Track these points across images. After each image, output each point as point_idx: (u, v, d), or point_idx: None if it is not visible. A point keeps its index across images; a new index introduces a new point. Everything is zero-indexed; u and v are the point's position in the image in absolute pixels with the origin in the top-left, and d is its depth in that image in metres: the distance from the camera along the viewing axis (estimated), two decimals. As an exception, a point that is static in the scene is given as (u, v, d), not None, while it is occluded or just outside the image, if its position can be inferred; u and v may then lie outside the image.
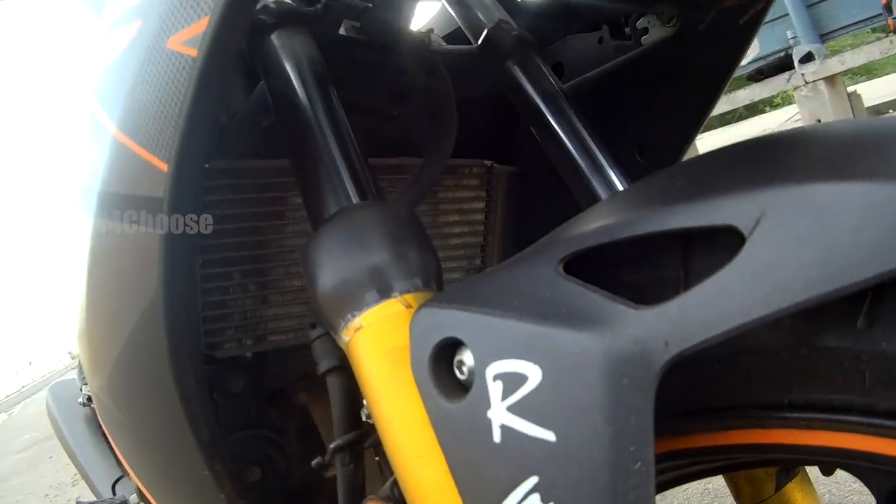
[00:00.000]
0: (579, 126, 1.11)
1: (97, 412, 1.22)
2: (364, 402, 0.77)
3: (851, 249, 0.43)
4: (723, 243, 0.51)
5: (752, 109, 17.11)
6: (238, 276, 1.15)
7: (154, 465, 1.15)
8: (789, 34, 8.91)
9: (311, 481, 1.35)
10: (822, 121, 8.34)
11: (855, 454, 0.57)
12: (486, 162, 1.41)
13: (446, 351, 0.61)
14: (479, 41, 1.20)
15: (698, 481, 2.59)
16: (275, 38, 0.96)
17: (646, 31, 1.24)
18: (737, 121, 17.98)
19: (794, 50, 8.52)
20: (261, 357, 1.28)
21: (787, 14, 8.99)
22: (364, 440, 0.95)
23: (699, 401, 0.64)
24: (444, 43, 1.25)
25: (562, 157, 1.10)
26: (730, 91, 9.14)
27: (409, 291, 0.73)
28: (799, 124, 9.44)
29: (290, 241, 1.18)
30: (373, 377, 0.71)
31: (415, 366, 0.64)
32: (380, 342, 0.71)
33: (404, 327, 0.67)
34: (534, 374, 0.54)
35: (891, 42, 8.09)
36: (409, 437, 0.67)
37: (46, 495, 7.29)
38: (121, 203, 0.84)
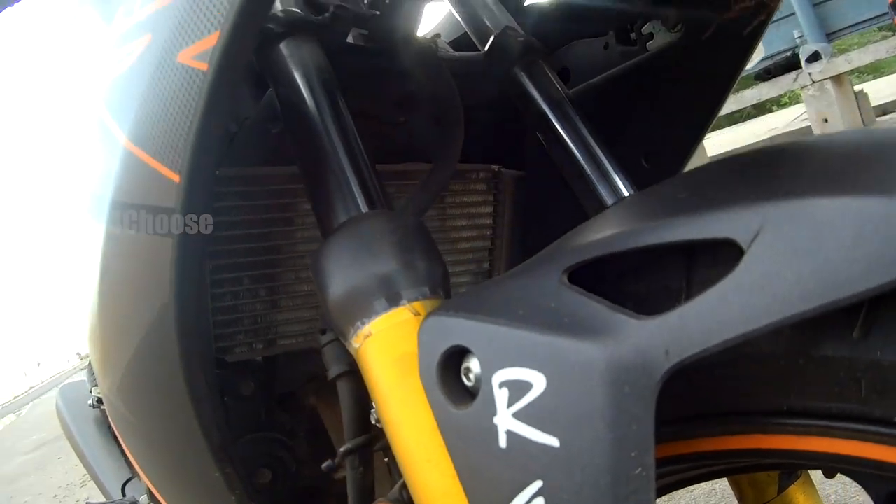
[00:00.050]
0: (585, 132, 1.11)
1: (108, 414, 1.22)
2: (373, 406, 0.78)
3: (847, 263, 0.44)
4: (725, 255, 0.52)
5: (760, 108, 17.10)
6: (248, 281, 1.16)
7: (165, 466, 1.15)
8: (796, 33, 8.88)
9: (320, 483, 1.36)
10: (829, 120, 8.33)
11: (852, 460, 0.58)
12: (493, 166, 1.42)
13: (454, 358, 0.63)
14: (486, 47, 1.20)
15: (705, 482, 2.60)
16: (283, 48, 0.96)
17: (651, 36, 1.24)
18: (745, 120, 17.96)
19: (801, 49, 8.51)
20: (271, 361, 1.29)
21: (793, 13, 8.97)
22: (373, 443, 0.96)
23: (700, 406, 0.65)
24: (450, 49, 1.25)
25: (568, 162, 1.11)
26: (737, 90, 9.12)
27: (417, 299, 0.74)
28: (806, 123, 9.43)
29: (300, 247, 1.19)
30: (382, 383, 0.73)
31: (423, 372, 0.65)
32: (389, 349, 0.72)
33: (412, 335, 0.68)
34: (538, 382, 0.55)
35: (898, 40, 8.09)
36: (417, 442, 0.69)
37: (55, 496, 7.25)
38: (133, 211, 0.85)
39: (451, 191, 1.35)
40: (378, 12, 1.09)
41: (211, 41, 0.70)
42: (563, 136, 1.11)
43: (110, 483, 2.42)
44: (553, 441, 0.54)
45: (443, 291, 0.78)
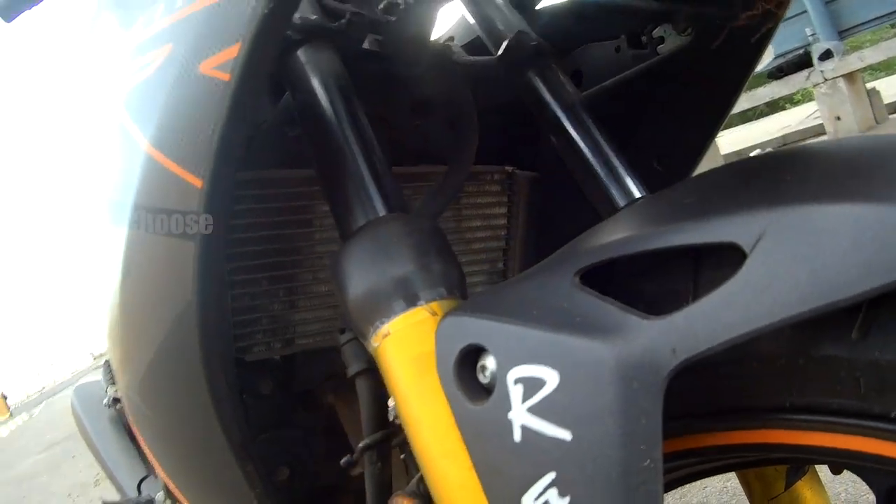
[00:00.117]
0: (597, 134, 1.12)
1: (127, 412, 1.23)
2: (391, 403, 0.80)
3: (845, 267, 0.47)
4: (730, 258, 0.54)
5: (773, 106, 17.00)
6: (266, 281, 1.17)
7: (184, 464, 1.17)
8: (808, 31, 8.83)
9: (337, 481, 1.36)
10: (842, 117, 8.30)
11: (854, 454, 0.60)
12: (507, 168, 1.43)
13: (470, 356, 0.65)
14: (500, 51, 1.20)
15: (717, 480, 2.61)
16: (301, 54, 0.97)
17: (662, 40, 1.25)
18: (758, 118, 17.88)
19: (813, 47, 8.47)
20: (289, 360, 1.30)
21: (805, 11, 8.92)
22: (391, 439, 0.97)
23: (707, 403, 0.67)
24: (464, 53, 1.26)
25: (580, 165, 1.12)
26: (750, 89, 9.07)
27: (434, 300, 0.76)
28: (819, 121, 9.39)
29: (318, 248, 1.20)
30: (400, 381, 0.74)
31: (440, 370, 0.67)
32: (407, 348, 0.74)
33: (430, 334, 0.71)
34: (552, 379, 0.57)
35: (911, 38, 8.05)
36: (434, 437, 0.71)
37: (69, 495, 7.20)
38: (155, 215, 0.86)
39: (466, 192, 1.36)
40: (393, 18, 1.09)
41: (232, 52, 0.71)
42: (575, 139, 1.12)
43: (126, 481, 2.43)
44: (566, 434, 0.57)
45: (459, 292, 0.80)
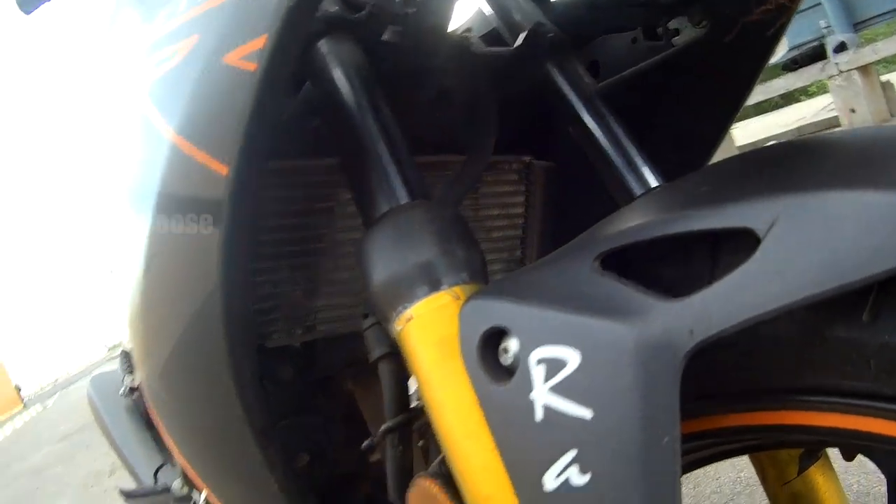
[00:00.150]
0: (614, 125, 1.13)
1: (147, 400, 1.24)
2: (413, 386, 0.82)
3: (854, 251, 0.49)
4: (746, 244, 0.55)
5: (788, 98, 16.97)
6: (288, 269, 1.18)
7: (205, 451, 1.18)
8: (822, 23, 8.81)
9: (356, 468, 1.38)
10: (856, 110, 8.28)
11: (866, 436, 0.61)
12: (524, 158, 1.44)
13: (493, 338, 0.67)
14: (519, 43, 1.22)
15: (730, 471, 2.62)
16: (322, 45, 0.98)
17: (677, 32, 1.26)
18: (773, 109, 17.84)
19: (828, 39, 8.45)
20: (309, 346, 1.31)
21: (819, 3, 8.90)
22: (412, 423, 0.98)
23: (724, 384, 0.69)
24: (482, 44, 1.27)
25: (598, 154, 1.13)
26: (765, 80, 9.05)
27: (456, 284, 0.78)
28: (834, 114, 9.36)
29: (339, 235, 1.21)
30: (423, 364, 0.76)
31: (464, 352, 0.69)
32: (430, 331, 0.76)
33: (453, 318, 0.72)
34: (573, 359, 0.59)
35: (925, 31, 8.02)
36: (457, 418, 0.72)
37: (84, 485, 7.19)
38: (180, 203, 0.88)
39: (485, 181, 1.37)
40: (413, 10, 1.09)
41: (259, 43, 0.72)
42: (593, 129, 1.13)
43: (142, 470, 2.44)
44: (587, 413, 0.58)
45: (480, 277, 0.82)
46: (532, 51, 1.21)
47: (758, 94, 8.90)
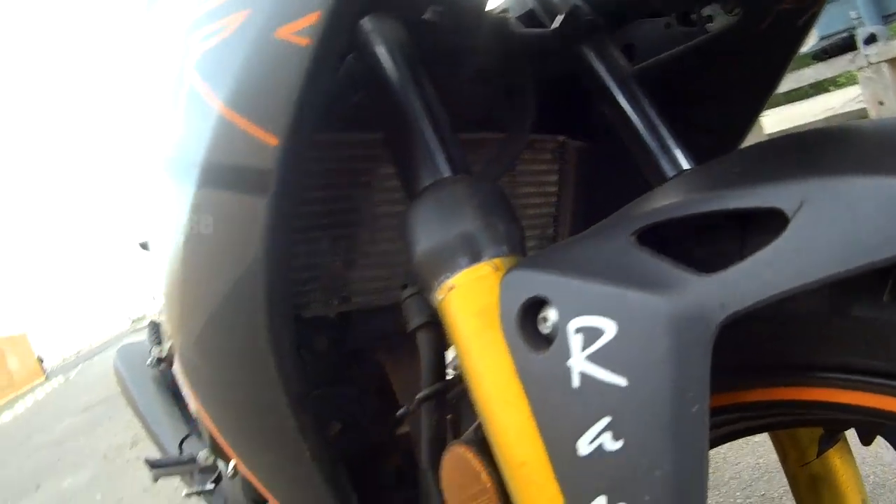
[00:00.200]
0: (648, 108, 1.15)
1: (180, 369, 1.26)
2: (449, 357, 0.84)
3: (876, 232, 0.51)
4: (774, 224, 0.58)
5: (817, 88, 16.87)
6: (326, 240, 1.21)
7: (238, 419, 1.19)
8: (852, 14, 8.75)
9: (386, 439, 1.40)
10: (885, 102, 8.23)
11: (883, 414, 0.64)
12: (559, 137, 1.46)
13: (533, 308, 0.69)
14: (556, 25, 1.23)
15: (750, 457, 2.64)
16: (365, 22, 1.00)
17: (710, 18, 1.27)
18: (802, 99, 17.75)
19: (858, 31, 8.40)
20: (344, 317, 1.33)
21: (850, -7, 8.85)
22: (448, 391, 1.00)
23: (750, 359, 0.72)
24: (520, 25, 1.29)
25: (632, 136, 1.15)
26: (795, 69, 9.00)
27: (497, 256, 0.80)
28: (861, 105, 9.31)
29: (378, 209, 1.23)
30: (464, 332, 0.78)
31: (504, 321, 0.72)
32: (471, 301, 0.78)
33: (493, 288, 0.75)
34: (610, 328, 0.62)
35: (957, 24, 7.96)
36: (495, 385, 0.74)
37: (105, 456, 7.22)
38: (226, 172, 0.89)
39: (521, 159, 1.38)
40: None
41: (311, 19, 0.74)
42: (627, 111, 1.15)
43: (168, 441, 2.46)
44: (621, 381, 0.61)
45: (519, 250, 0.84)
46: (569, 33, 1.22)
47: (788, 83, 8.83)
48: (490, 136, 1.32)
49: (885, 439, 0.88)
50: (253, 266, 0.89)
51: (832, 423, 1.06)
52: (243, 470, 1.30)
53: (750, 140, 1.26)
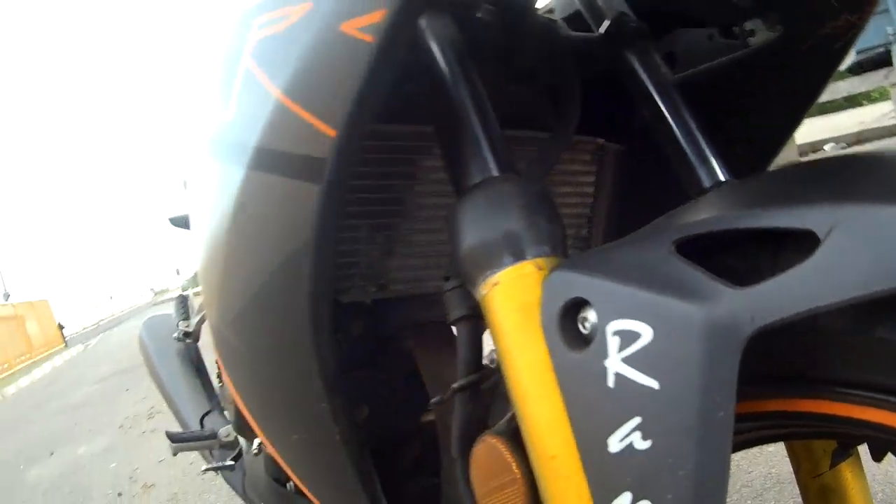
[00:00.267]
0: (687, 116, 1.17)
1: (214, 345, 1.27)
2: (488, 348, 0.87)
3: None
4: (806, 244, 0.61)
5: (851, 101, 16.82)
6: (367, 228, 1.23)
7: (270, 398, 1.21)
8: (889, 30, 8.72)
9: (412, 427, 1.43)
10: (915, 121, 8.20)
11: None
12: (598, 140, 1.48)
13: (573, 308, 0.73)
14: (602, 30, 1.26)
15: (762, 466, 2.65)
16: (421, 20, 1.02)
17: (752, 32, 1.30)
18: (835, 111, 17.69)
19: (894, 47, 8.37)
20: (380, 304, 1.35)
21: (886, 9, 8.80)
22: (483, 382, 1.02)
23: (776, 370, 0.75)
24: (567, 28, 1.31)
25: (671, 143, 1.17)
26: (830, 81, 8.98)
27: (540, 256, 0.83)
28: (893, 121, 9.28)
29: (420, 200, 1.26)
30: (504, 326, 0.81)
31: (544, 318, 0.75)
32: (513, 297, 0.81)
33: (535, 286, 0.79)
34: (646, 333, 0.65)
35: None
36: (531, 380, 0.77)
37: (121, 426, 7.21)
38: (281, 158, 0.92)
39: (560, 160, 1.39)
40: None
41: (376, 17, 0.76)
42: (667, 119, 1.17)
43: (189, 415, 2.48)
44: (654, 384, 0.64)
45: (561, 251, 0.86)
46: (615, 38, 1.25)
47: (822, 95, 8.82)
48: (531, 134, 1.35)
49: (892, 453, 0.91)
50: (302, 250, 0.91)
51: (847, 438, 1.08)
52: (270, 448, 1.32)
53: (783, 152, 1.29)
